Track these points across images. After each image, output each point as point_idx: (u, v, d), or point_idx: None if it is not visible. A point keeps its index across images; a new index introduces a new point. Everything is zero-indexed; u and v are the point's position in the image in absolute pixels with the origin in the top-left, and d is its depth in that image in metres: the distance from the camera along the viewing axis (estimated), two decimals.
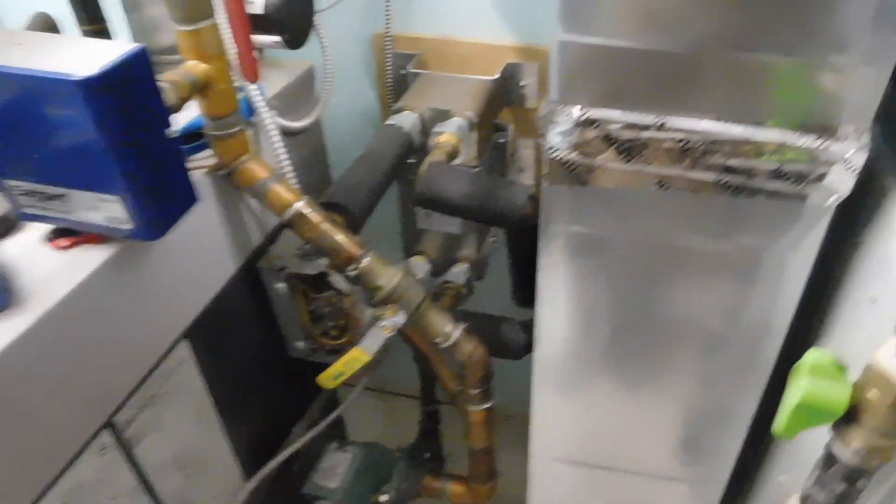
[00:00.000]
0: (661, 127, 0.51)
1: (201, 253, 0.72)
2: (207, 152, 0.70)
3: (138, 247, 0.61)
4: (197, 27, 0.61)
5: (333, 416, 0.91)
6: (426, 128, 0.95)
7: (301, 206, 0.71)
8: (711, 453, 0.76)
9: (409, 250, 1.11)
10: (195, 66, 0.62)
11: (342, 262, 0.73)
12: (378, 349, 0.73)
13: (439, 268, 1.10)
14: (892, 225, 0.52)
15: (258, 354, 0.88)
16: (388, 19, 1.02)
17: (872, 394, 0.42)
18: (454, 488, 1.04)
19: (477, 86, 1.00)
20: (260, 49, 0.86)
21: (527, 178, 1.15)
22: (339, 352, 0.89)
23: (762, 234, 0.55)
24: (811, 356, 0.44)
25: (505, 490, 1.03)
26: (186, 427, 0.74)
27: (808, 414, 0.44)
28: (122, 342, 0.62)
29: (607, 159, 0.53)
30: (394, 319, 0.72)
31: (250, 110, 0.76)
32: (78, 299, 0.56)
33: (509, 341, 0.92)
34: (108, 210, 0.56)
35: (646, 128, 0.52)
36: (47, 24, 0.90)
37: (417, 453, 1.07)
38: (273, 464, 0.86)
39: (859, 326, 0.56)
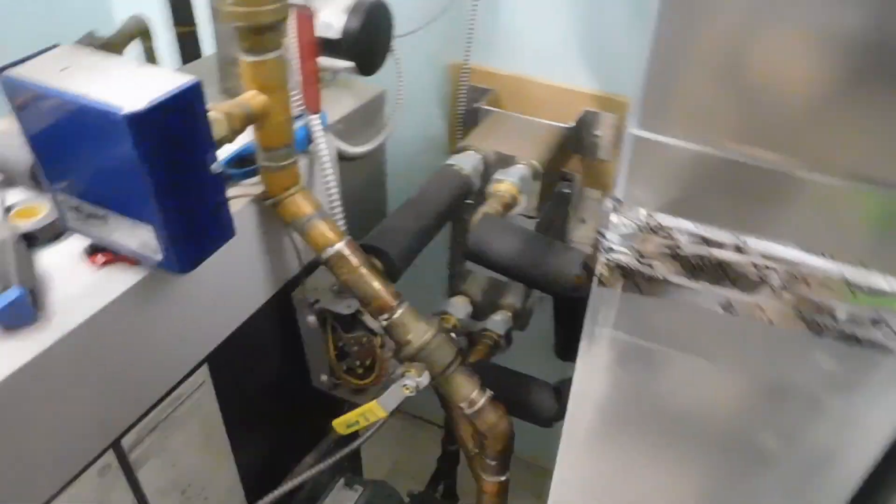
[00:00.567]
0: (739, 248, 0.45)
1: (235, 282, 0.70)
2: (256, 179, 0.68)
3: (170, 275, 0.60)
4: (262, 59, 0.59)
5: (344, 452, 0.89)
6: (488, 171, 0.91)
7: (342, 246, 0.69)
8: None
9: (454, 288, 1.08)
10: (253, 98, 0.60)
11: (375, 309, 0.70)
12: (396, 407, 0.70)
13: (481, 312, 1.06)
14: None
15: (278, 381, 0.86)
16: (467, 51, 0.98)
17: None
18: None
19: (549, 132, 0.95)
20: (334, 72, 0.84)
21: (588, 230, 1.10)
22: (361, 392, 0.87)
23: (841, 380, 0.49)
24: None
25: None
26: (194, 451, 0.72)
27: None
28: (141, 365, 0.61)
29: (670, 271, 0.48)
30: (417, 380, 0.68)
31: (308, 139, 0.74)
32: (103, 320, 0.55)
33: (539, 408, 0.87)
34: (141, 237, 0.54)
35: (720, 245, 0.46)
36: (140, 28, 0.92)
37: (428, 499, 1.04)
38: (277, 493, 0.84)
39: None
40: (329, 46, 0.77)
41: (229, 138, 0.58)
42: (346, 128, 0.85)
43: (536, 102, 1.01)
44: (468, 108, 1.04)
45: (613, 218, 0.48)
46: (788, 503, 0.59)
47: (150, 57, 0.94)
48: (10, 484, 0.53)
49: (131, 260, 0.59)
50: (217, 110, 0.56)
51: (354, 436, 0.91)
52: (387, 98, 0.92)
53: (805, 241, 0.45)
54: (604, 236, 0.48)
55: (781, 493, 0.59)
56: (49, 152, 0.52)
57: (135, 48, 0.91)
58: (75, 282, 0.57)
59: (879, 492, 0.56)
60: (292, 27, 0.67)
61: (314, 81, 0.67)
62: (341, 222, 0.76)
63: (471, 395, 0.72)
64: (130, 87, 0.48)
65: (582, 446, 0.64)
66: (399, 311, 0.70)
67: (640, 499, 0.68)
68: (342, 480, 0.93)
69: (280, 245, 0.75)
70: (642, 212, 0.47)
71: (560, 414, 0.89)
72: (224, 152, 0.69)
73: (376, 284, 0.69)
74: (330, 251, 0.69)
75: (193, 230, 0.55)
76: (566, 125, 0.95)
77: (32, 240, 0.59)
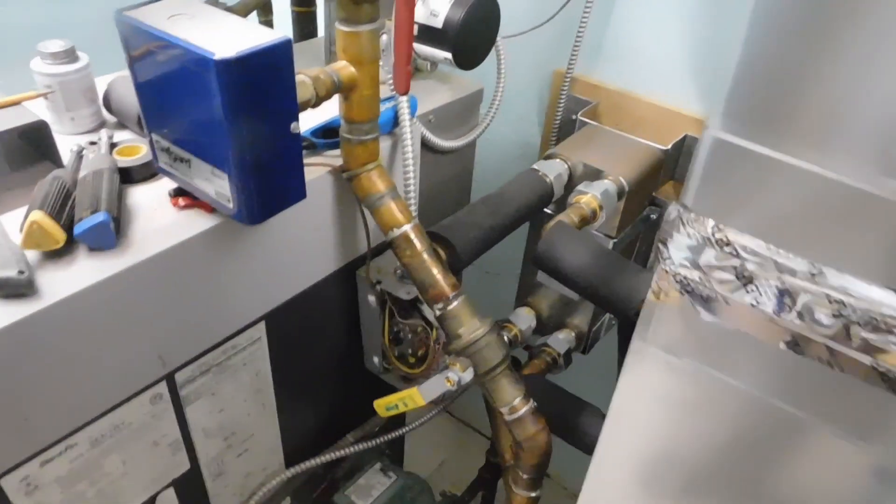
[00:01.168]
0: (813, 277, 0.41)
1: (304, 246, 0.72)
2: (338, 151, 0.70)
3: (242, 225, 0.63)
4: (357, 30, 0.60)
5: (387, 437, 0.89)
6: (573, 182, 0.88)
7: (409, 228, 0.69)
8: None
9: (522, 297, 1.06)
10: (344, 68, 0.61)
11: (431, 297, 0.70)
12: (436, 398, 0.69)
13: (545, 327, 1.03)
14: None
15: (330, 355, 0.87)
16: (572, 60, 0.97)
17: None
18: None
19: (643, 151, 0.92)
20: (433, 63, 0.85)
21: None
22: (410, 381, 0.86)
23: None
24: None
25: None
26: (241, 402, 0.75)
27: None
28: (203, 307, 0.64)
29: (733, 291, 0.44)
30: (461, 374, 0.67)
31: (396, 121, 0.75)
32: (174, 256, 0.59)
33: (585, 433, 0.83)
34: (218, 185, 0.57)
35: (793, 273, 0.42)
36: (260, 1, 0.97)
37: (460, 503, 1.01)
38: (317, 461, 0.86)
39: None
40: (431, 35, 0.78)
41: (313, 103, 0.60)
42: (438, 120, 0.86)
43: (636, 120, 0.98)
44: (565, 119, 1.02)
45: (678, 227, 0.45)
46: None
47: None
48: (79, 390, 0.57)
49: (209, 207, 0.62)
50: (305, 73, 0.58)
51: (399, 424, 0.91)
52: (484, 97, 0.92)
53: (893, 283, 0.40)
54: (665, 245, 0.45)
55: None
56: (149, 93, 0.57)
57: (252, 20, 0.97)
58: (157, 219, 0.61)
59: None
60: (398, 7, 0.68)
61: (406, 62, 0.68)
62: (413, 208, 0.76)
63: (513, 401, 0.69)
64: (227, 37, 0.50)
65: (607, 481, 0.60)
66: (454, 304, 0.69)
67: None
68: (378, 465, 0.93)
69: (351, 221, 0.76)
70: (710, 223, 0.43)
71: None
72: (313, 121, 0.72)
73: (436, 272, 0.69)
74: (396, 231, 0.69)
75: (265, 185, 0.57)
76: (662, 147, 0.91)
77: (128, 176, 0.64)
